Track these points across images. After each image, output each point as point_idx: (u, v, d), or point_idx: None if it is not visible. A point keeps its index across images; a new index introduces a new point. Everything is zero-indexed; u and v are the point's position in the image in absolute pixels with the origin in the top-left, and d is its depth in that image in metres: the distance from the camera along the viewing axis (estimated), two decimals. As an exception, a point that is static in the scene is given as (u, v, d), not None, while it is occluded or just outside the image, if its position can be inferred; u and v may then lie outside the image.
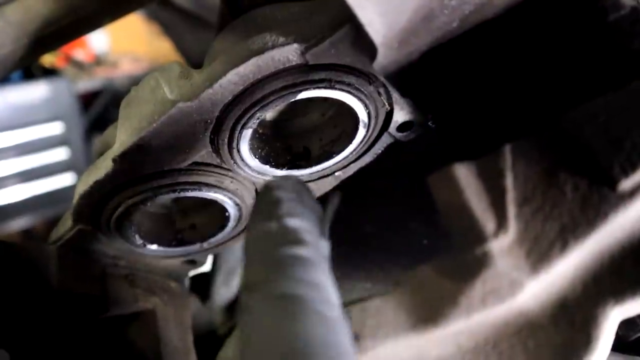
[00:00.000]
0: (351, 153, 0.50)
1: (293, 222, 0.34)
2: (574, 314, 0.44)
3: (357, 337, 0.51)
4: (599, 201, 0.42)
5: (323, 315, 0.29)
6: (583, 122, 0.43)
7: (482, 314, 0.46)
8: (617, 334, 0.45)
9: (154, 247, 0.54)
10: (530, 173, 0.45)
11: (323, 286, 0.31)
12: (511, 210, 0.45)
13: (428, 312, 0.47)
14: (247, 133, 0.43)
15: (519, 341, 0.45)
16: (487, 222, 0.46)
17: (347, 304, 0.53)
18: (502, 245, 0.45)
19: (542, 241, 0.44)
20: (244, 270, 0.34)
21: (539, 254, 0.44)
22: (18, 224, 2.61)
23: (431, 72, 0.43)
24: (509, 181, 0.45)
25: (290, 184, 0.38)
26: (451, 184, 0.48)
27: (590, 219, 0.42)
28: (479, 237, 0.46)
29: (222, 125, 0.43)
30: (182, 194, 0.47)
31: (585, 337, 0.43)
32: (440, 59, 0.42)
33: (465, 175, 0.47)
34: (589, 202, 0.43)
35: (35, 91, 2.52)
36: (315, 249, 0.34)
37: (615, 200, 0.42)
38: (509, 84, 0.47)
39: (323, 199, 0.62)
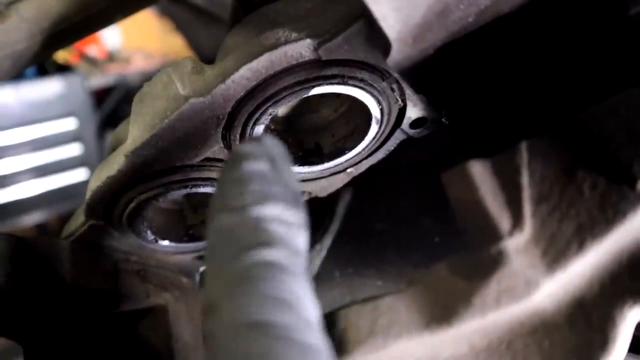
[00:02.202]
0: (363, 150, 0.49)
1: (261, 211, 0.27)
2: (590, 314, 0.43)
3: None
4: (618, 200, 0.41)
5: (303, 346, 0.24)
6: (602, 118, 0.42)
7: (496, 314, 0.45)
8: (634, 335, 0.44)
9: (166, 242, 0.54)
10: (547, 171, 0.44)
11: (300, 303, 0.25)
12: (527, 208, 0.44)
13: (441, 311, 0.47)
14: (259, 129, 0.43)
15: (533, 341, 0.45)
16: (503, 220, 0.45)
17: (358, 302, 0.52)
18: (517, 244, 0.45)
19: (558, 240, 0.43)
20: (205, 283, 0.27)
21: (555, 252, 0.43)
22: (32, 218, 2.65)
23: (446, 68, 0.43)
24: (525, 179, 0.45)
25: (261, 150, 0.30)
26: (466, 182, 0.47)
27: (609, 218, 0.41)
28: (494, 236, 0.46)
29: (234, 121, 0.42)
30: (194, 190, 0.47)
31: (601, 338, 0.42)
32: (455, 54, 0.41)
33: (480, 172, 0.47)
34: (607, 201, 0.42)
35: (49, 87, 2.55)
36: (290, 246, 0.27)
37: (635, 199, 0.41)
38: (525, 80, 0.46)
39: (335, 196, 0.62)
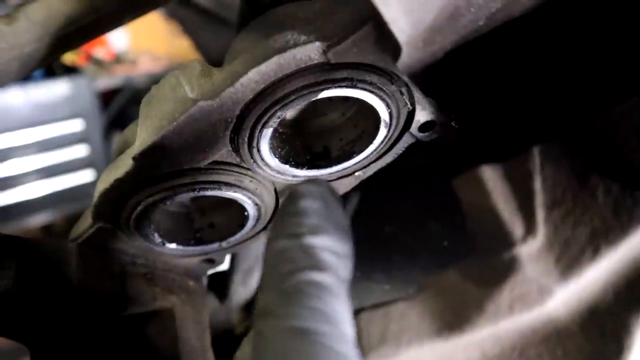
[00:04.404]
0: (372, 153, 0.49)
1: (315, 241, 0.33)
2: (605, 321, 0.42)
3: None
4: (633, 205, 0.41)
5: (336, 353, 0.29)
6: (615, 123, 0.42)
7: (509, 321, 0.44)
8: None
9: (173, 245, 0.54)
10: (560, 176, 0.43)
11: (339, 318, 0.30)
12: (540, 214, 0.44)
13: (453, 318, 0.46)
14: (268, 132, 0.43)
15: (546, 349, 0.44)
16: (515, 226, 0.45)
17: (368, 308, 0.52)
18: (530, 250, 0.44)
19: (572, 246, 0.42)
20: (259, 292, 0.33)
21: (569, 259, 0.42)
22: (38, 219, 2.66)
23: (456, 72, 0.42)
24: (538, 184, 0.44)
25: (317, 191, 0.37)
26: (477, 187, 0.46)
27: (624, 223, 0.41)
28: (507, 242, 0.45)
29: (242, 124, 0.42)
30: (202, 193, 0.47)
31: (616, 346, 0.41)
32: (465, 58, 0.41)
33: (492, 177, 0.46)
34: (621, 206, 0.41)
35: (57, 89, 2.57)
36: (336, 272, 0.32)
37: None
38: (537, 83, 0.46)
39: (342, 199, 0.62)
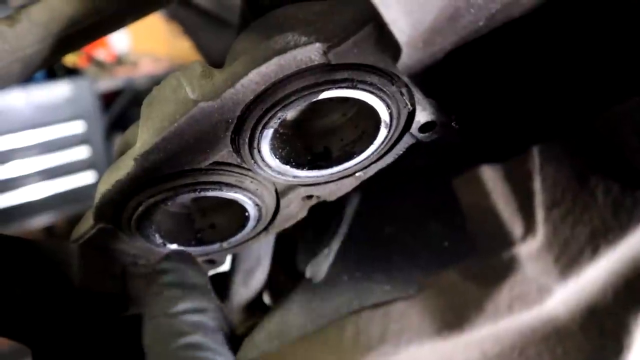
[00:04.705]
0: (372, 154, 0.49)
1: (180, 308, 0.39)
2: (604, 321, 0.43)
3: None
4: (632, 205, 0.41)
5: None
6: (615, 123, 0.42)
7: (508, 320, 0.45)
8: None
9: (174, 246, 0.54)
10: (560, 176, 0.44)
11: None
12: (540, 213, 0.44)
13: (453, 317, 0.46)
14: (268, 133, 0.43)
15: (546, 348, 0.44)
16: (515, 225, 0.45)
17: (368, 308, 0.52)
18: (530, 250, 0.44)
19: (571, 246, 0.42)
20: None
21: (568, 258, 0.43)
22: (40, 221, 2.67)
23: (456, 72, 0.43)
24: (538, 184, 0.44)
25: (170, 266, 0.43)
26: (477, 187, 0.46)
27: (623, 223, 0.41)
28: (506, 241, 0.45)
29: (243, 125, 0.42)
30: (203, 194, 0.47)
31: (615, 346, 0.41)
32: (465, 58, 0.41)
33: (491, 177, 0.46)
34: (621, 206, 0.41)
35: (58, 90, 2.57)
36: (207, 328, 0.38)
37: None
38: (537, 83, 0.46)
39: (343, 200, 0.62)
